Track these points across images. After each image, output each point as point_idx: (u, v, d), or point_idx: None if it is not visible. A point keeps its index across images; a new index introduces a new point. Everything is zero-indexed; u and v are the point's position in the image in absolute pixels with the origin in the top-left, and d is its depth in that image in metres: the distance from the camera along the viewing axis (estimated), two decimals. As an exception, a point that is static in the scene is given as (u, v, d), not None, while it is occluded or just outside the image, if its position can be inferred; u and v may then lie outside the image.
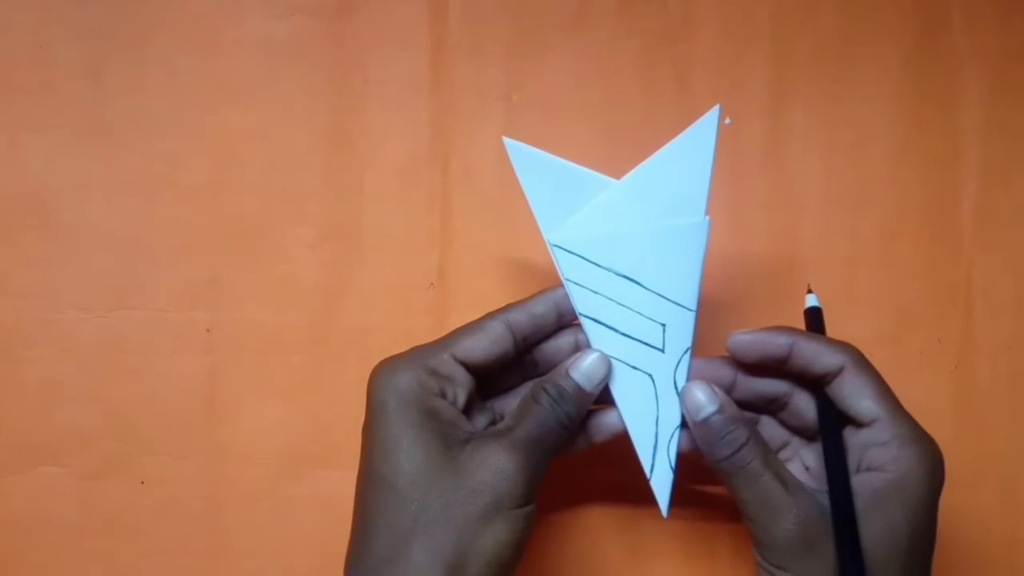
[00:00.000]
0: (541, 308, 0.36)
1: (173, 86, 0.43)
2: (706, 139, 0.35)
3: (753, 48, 0.44)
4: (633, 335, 0.36)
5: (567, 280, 0.36)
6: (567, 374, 0.35)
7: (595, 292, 0.36)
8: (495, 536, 0.32)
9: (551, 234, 0.36)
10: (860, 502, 0.33)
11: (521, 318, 0.36)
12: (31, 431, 0.42)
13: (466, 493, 0.32)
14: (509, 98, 0.44)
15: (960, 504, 0.42)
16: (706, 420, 0.34)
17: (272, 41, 0.43)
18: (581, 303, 0.36)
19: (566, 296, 0.36)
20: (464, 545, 0.31)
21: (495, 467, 0.32)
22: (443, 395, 0.34)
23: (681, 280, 0.36)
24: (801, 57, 0.44)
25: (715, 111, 0.36)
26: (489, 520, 0.32)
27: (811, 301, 0.37)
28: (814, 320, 0.37)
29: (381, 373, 0.34)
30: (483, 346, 0.35)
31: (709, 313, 0.42)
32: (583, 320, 0.36)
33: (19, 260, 0.43)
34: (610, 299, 0.36)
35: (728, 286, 0.43)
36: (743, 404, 0.36)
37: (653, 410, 0.36)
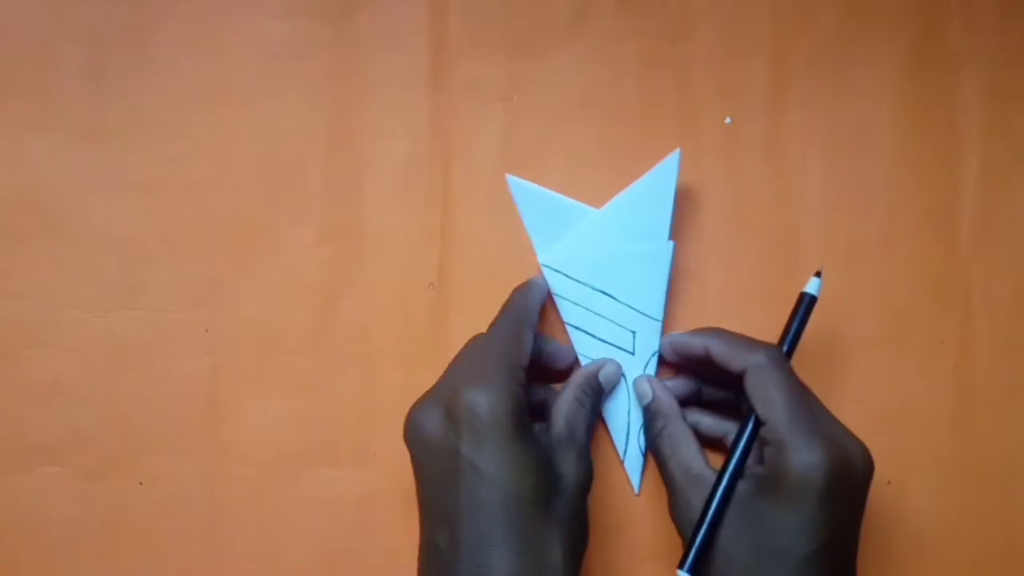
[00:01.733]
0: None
1: (173, 86, 0.43)
2: (668, 178, 0.41)
3: (753, 48, 0.44)
4: (609, 340, 0.42)
5: (556, 295, 0.42)
6: (596, 378, 0.40)
7: (577, 304, 0.42)
8: (587, 522, 0.37)
9: (543, 256, 0.42)
10: (739, 498, 0.36)
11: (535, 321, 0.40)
12: (31, 431, 0.42)
13: (570, 492, 0.36)
14: (509, 98, 0.44)
15: (960, 504, 0.42)
16: (646, 407, 0.41)
17: (272, 41, 0.43)
18: (566, 313, 0.42)
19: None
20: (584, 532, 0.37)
21: (587, 470, 0.37)
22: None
23: (649, 294, 0.42)
24: (801, 57, 0.44)
25: (675, 155, 0.41)
26: (584, 512, 0.37)
27: (810, 287, 0.39)
28: (802, 306, 0.39)
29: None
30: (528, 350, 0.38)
31: (709, 311, 0.43)
32: (568, 327, 0.42)
33: (19, 260, 0.43)
34: (589, 310, 0.42)
35: (727, 285, 0.43)
36: (719, 403, 0.41)
37: (626, 403, 0.42)
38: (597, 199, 0.43)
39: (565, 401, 0.39)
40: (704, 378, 0.42)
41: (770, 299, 0.42)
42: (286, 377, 0.42)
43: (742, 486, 0.36)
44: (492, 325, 0.39)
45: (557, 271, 0.42)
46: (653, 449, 0.40)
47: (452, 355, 0.42)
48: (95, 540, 0.42)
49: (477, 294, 0.43)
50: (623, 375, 0.42)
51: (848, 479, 0.34)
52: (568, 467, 0.36)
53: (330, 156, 0.43)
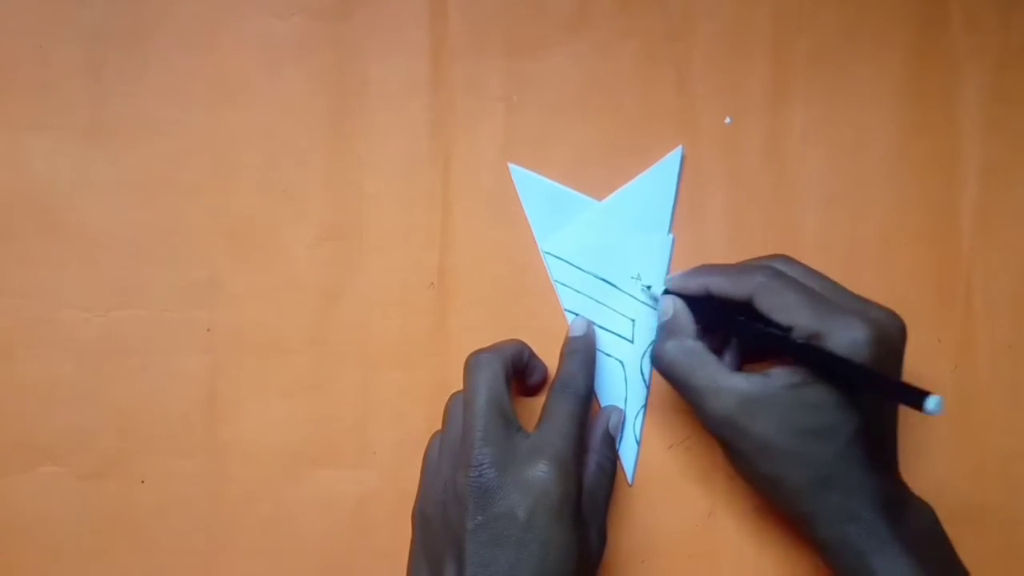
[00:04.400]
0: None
1: (173, 86, 0.43)
2: (670, 172, 0.43)
3: (753, 48, 0.44)
4: (608, 327, 0.42)
5: (556, 281, 0.42)
6: (609, 433, 0.41)
7: (578, 291, 0.42)
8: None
9: (544, 243, 0.42)
10: (781, 391, 0.35)
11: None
12: (31, 431, 0.42)
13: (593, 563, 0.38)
14: (509, 98, 0.44)
15: (959, 504, 0.42)
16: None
17: (272, 41, 0.43)
18: (567, 300, 0.42)
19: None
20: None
21: (604, 541, 0.39)
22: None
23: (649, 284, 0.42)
24: (801, 57, 0.44)
25: (678, 151, 0.42)
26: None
27: None
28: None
29: None
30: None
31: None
32: (567, 314, 0.42)
33: (19, 260, 0.43)
34: (590, 297, 0.42)
35: (728, 286, 0.43)
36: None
37: (622, 391, 0.42)
38: (597, 196, 0.43)
39: (588, 473, 0.38)
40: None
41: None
42: (286, 377, 0.43)
43: (783, 379, 0.35)
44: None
45: (559, 258, 0.42)
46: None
47: (452, 355, 0.42)
48: (95, 540, 0.42)
49: (477, 294, 0.43)
50: (621, 362, 0.42)
51: (888, 346, 0.34)
52: (592, 542, 0.37)
53: (330, 156, 0.43)
